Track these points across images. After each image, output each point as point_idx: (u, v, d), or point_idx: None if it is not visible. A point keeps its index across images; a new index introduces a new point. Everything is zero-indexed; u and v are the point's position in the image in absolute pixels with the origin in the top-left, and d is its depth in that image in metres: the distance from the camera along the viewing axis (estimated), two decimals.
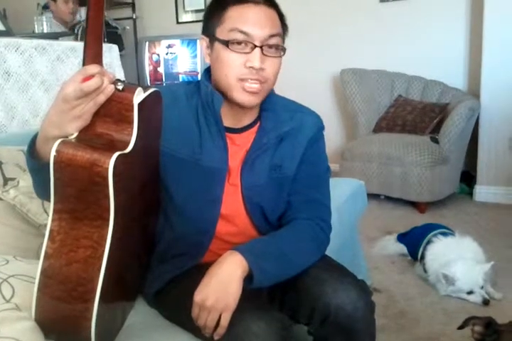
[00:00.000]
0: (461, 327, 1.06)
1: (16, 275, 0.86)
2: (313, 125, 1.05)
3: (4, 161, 1.21)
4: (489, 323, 1.02)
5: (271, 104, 1.00)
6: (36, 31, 2.36)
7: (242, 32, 0.88)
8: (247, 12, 0.89)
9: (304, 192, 1.03)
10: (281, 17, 0.95)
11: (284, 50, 0.93)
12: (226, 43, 0.89)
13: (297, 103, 1.08)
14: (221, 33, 0.91)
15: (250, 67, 0.89)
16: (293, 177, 1.02)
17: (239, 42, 0.89)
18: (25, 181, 1.12)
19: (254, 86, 0.91)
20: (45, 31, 2.33)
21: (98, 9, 0.70)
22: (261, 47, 0.89)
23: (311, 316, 0.92)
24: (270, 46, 0.90)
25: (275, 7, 0.93)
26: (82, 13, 3.76)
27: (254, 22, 0.89)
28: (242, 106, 0.94)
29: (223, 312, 0.82)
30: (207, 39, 0.95)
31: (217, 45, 0.91)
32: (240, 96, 0.91)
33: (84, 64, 0.70)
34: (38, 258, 0.72)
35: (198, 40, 3.71)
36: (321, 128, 1.07)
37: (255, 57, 0.89)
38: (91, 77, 0.67)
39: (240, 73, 0.90)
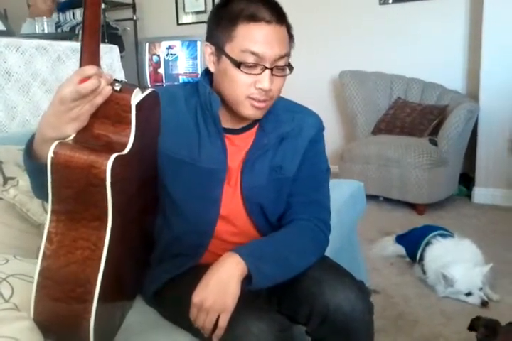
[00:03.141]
0: (470, 328, 1.08)
1: (15, 274, 0.86)
2: (314, 126, 1.05)
3: (4, 160, 1.21)
4: (488, 324, 1.04)
5: (271, 106, 1.00)
6: (37, 31, 2.37)
7: (253, 53, 0.88)
8: (259, 32, 0.87)
9: (303, 193, 1.03)
10: (289, 29, 0.94)
11: (291, 69, 0.93)
12: (237, 64, 0.88)
13: (297, 104, 1.09)
14: (231, 51, 0.89)
15: (259, 88, 0.89)
16: (293, 177, 1.02)
17: (250, 64, 0.88)
18: (25, 180, 1.12)
19: (262, 104, 0.92)
20: (45, 31, 2.34)
21: (95, 9, 0.69)
22: (271, 68, 0.89)
23: (309, 316, 0.93)
24: (279, 67, 0.91)
25: (286, 23, 0.92)
26: (77, 14, 3.77)
27: (266, 43, 0.88)
28: (247, 119, 0.96)
29: (221, 314, 0.83)
30: (213, 47, 0.93)
31: (226, 61, 0.90)
32: (246, 111, 0.93)
33: (81, 65, 0.69)
34: (38, 258, 0.72)
35: (198, 42, 3.72)
36: (321, 129, 1.07)
37: (265, 79, 0.89)
38: (88, 78, 0.67)
39: (249, 92, 0.90)
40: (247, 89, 0.90)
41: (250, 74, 0.89)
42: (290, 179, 1.02)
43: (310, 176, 1.04)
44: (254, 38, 0.87)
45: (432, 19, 3.19)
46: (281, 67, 0.91)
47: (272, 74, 0.90)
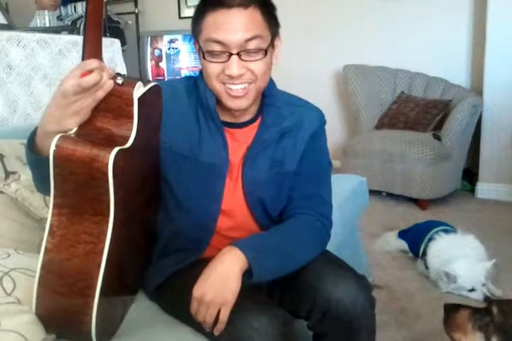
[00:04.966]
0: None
1: (17, 268, 0.86)
2: (315, 120, 1.04)
3: (6, 155, 1.21)
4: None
5: (273, 99, 0.99)
6: (38, 25, 2.36)
7: (216, 41, 0.86)
8: (220, 19, 0.86)
9: (305, 187, 1.03)
10: (267, 11, 0.90)
11: (266, 51, 0.89)
12: (204, 55, 0.88)
13: (299, 98, 1.07)
14: (202, 42, 0.89)
15: (227, 74, 0.88)
16: (294, 172, 1.02)
17: (216, 52, 0.87)
18: (27, 175, 1.12)
19: (239, 88, 0.90)
20: (47, 25, 2.33)
21: (97, 3, 0.69)
22: (238, 54, 0.87)
23: (310, 310, 0.92)
24: (249, 51, 0.88)
25: (255, 5, 0.87)
26: (79, 7, 3.75)
27: (227, 28, 0.85)
28: (232, 110, 0.94)
29: (222, 308, 0.82)
30: (197, 43, 0.93)
31: (201, 54, 0.90)
32: (227, 101, 0.92)
33: (83, 58, 0.70)
34: (39, 252, 0.72)
35: None
36: (323, 123, 1.06)
37: (232, 65, 0.87)
38: (90, 72, 0.67)
39: (221, 79, 0.90)
40: (218, 78, 0.89)
41: (217, 62, 0.88)
42: (291, 173, 1.02)
43: (311, 171, 1.03)
44: (216, 25, 0.86)
45: (436, 13, 3.16)
46: (253, 51, 0.88)
47: (242, 60, 0.87)
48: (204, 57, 0.88)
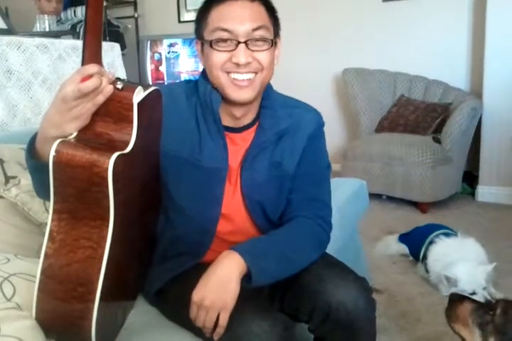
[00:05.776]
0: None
1: (17, 273, 0.86)
2: (313, 121, 1.04)
3: (6, 159, 1.21)
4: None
5: (270, 102, 0.99)
6: (38, 30, 2.36)
7: (224, 30, 0.88)
8: (227, 9, 0.89)
9: (304, 189, 1.02)
10: (270, 9, 0.94)
11: (272, 42, 0.92)
12: (210, 43, 0.89)
13: (296, 99, 1.07)
14: (207, 34, 0.91)
15: (235, 63, 0.89)
16: (293, 174, 1.02)
17: (223, 40, 0.89)
18: (27, 179, 1.12)
19: (245, 78, 0.91)
20: (46, 30, 2.33)
21: (97, 8, 0.69)
22: (245, 42, 0.89)
23: (311, 313, 0.92)
24: (256, 40, 0.90)
25: (259, 1, 0.91)
26: (78, 12, 3.75)
27: (235, 18, 0.88)
28: (239, 103, 0.94)
29: (221, 312, 0.82)
30: (200, 42, 0.95)
31: (206, 47, 0.92)
32: (231, 93, 0.92)
33: (83, 63, 0.69)
34: (39, 257, 0.72)
35: None
36: (321, 124, 1.06)
37: (239, 53, 0.88)
38: (90, 77, 0.67)
39: (226, 68, 0.90)
40: (223, 68, 0.90)
41: (225, 51, 0.89)
42: (290, 176, 1.01)
43: (310, 173, 1.03)
44: (223, 15, 0.89)
45: (436, 16, 3.17)
46: (259, 39, 0.90)
47: (249, 49, 0.89)
48: (211, 46, 0.89)
